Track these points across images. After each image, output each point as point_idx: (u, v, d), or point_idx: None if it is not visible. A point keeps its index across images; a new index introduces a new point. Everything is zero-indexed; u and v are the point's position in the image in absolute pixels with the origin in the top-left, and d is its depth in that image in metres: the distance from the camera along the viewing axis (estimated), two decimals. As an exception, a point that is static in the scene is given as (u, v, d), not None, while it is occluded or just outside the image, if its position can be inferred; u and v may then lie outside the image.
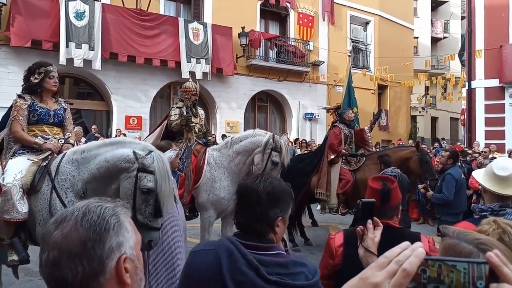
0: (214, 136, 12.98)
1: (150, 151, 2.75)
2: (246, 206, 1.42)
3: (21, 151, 3.34)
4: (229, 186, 4.58)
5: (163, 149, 3.51)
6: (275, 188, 1.43)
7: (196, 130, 5.27)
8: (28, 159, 3.24)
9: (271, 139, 4.41)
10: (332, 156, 6.34)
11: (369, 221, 1.49)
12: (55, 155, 3.26)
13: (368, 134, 6.78)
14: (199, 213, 4.84)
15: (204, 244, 1.55)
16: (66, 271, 0.81)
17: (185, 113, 5.01)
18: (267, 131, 4.62)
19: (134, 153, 2.73)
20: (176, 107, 5.16)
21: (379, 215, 1.94)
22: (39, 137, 3.38)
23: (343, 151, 6.47)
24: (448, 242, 0.92)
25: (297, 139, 13.93)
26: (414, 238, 1.83)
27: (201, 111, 5.53)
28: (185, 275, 1.43)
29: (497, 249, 0.87)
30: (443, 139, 21.79)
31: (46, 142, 3.34)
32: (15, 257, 3.08)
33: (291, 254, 1.50)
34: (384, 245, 1.53)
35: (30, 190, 3.09)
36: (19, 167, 3.15)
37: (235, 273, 1.30)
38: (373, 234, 1.47)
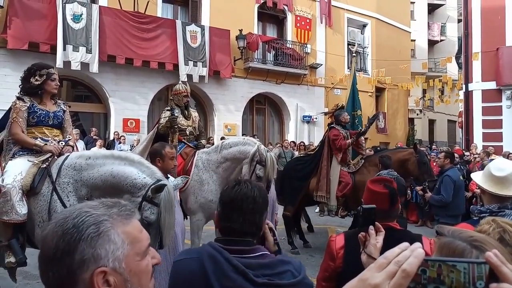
0: (211, 138, 13.00)
1: (158, 180, 2.71)
2: (240, 213, 1.41)
3: (21, 152, 3.32)
4: (217, 190, 4.46)
5: (157, 152, 3.49)
6: (263, 194, 1.48)
7: (187, 133, 5.21)
8: (28, 160, 3.22)
9: (257, 152, 4.25)
10: (340, 155, 6.33)
11: (371, 227, 1.48)
12: (56, 157, 3.24)
13: (362, 137, 6.79)
14: (188, 216, 4.75)
15: (185, 252, 1.54)
16: (43, 272, 0.81)
17: (174, 114, 4.98)
18: (257, 141, 4.49)
19: (143, 180, 2.70)
20: (167, 110, 5.14)
21: (385, 218, 1.93)
22: (39, 139, 3.36)
23: (348, 141, 6.42)
24: (443, 240, 0.92)
25: (292, 142, 13.83)
26: (416, 239, 1.83)
27: (195, 114, 5.48)
28: (173, 285, 1.42)
29: (490, 246, 0.88)
30: (435, 142, 21.86)
31: (46, 144, 3.32)
32: (12, 259, 3.05)
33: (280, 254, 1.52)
34: (387, 247, 1.52)
35: (30, 192, 3.07)
36: (19, 169, 3.14)
37: (223, 280, 1.30)
38: (375, 240, 1.47)
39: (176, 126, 4.95)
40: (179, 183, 3.03)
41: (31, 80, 3.40)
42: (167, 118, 4.98)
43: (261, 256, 1.38)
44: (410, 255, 0.66)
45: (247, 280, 1.29)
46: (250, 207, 1.41)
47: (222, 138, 12.39)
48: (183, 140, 5.15)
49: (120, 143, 11.51)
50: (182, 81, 5.64)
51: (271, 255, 1.44)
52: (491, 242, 0.91)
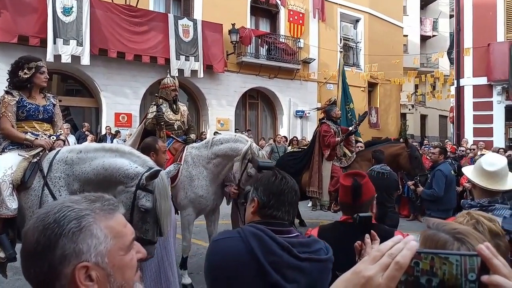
0: (204, 133, 12.96)
1: (150, 168, 2.71)
2: (286, 203, 1.54)
3: (11, 147, 3.28)
4: (207, 185, 4.44)
5: (151, 146, 3.50)
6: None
7: (176, 127, 5.15)
8: (19, 154, 3.19)
9: (249, 150, 4.17)
10: (328, 152, 6.33)
11: (367, 235, 1.49)
12: (47, 151, 3.21)
13: (352, 136, 6.84)
14: (178, 212, 4.74)
15: (223, 232, 1.62)
16: (25, 268, 0.80)
17: (162, 110, 4.92)
18: (249, 139, 4.43)
19: (135, 169, 2.70)
20: (154, 105, 5.08)
21: (353, 211, 2.01)
22: (29, 133, 3.32)
23: (337, 138, 6.43)
24: (427, 232, 0.94)
25: (284, 137, 13.79)
26: (388, 233, 1.85)
27: (183, 108, 5.40)
28: (214, 264, 1.47)
29: (473, 238, 0.89)
30: (427, 137, 22.03)
31: (37, 138, 3.28)
32: (1, 254, 3.03)
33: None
34: (358, 240, 1.57)
35: (20, 187, 3.05)
36: (9, 163, 3.10)
37: (269, 256, 1.39)
38: (371, 249, 1.48)
39: (162, 123, 4.89)
40: (172, 170, 3.03)
41: (19, 73, 3.34)
42: (154, 113, 4.92)
43: (297, 236, 1.51)
44: (403, 247, 0.66)
45: (291, 256, 1.40)
46: (294, 199, 1.56)
47: (216, 133, 12.40)
48: (171, 135, 5.07)
49: (114, 137, 11.45)
50: (170, 75, 5.58)
51: (304, 236, 1.58)
52: (474, 234, 0.93)
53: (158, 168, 2.74)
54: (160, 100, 5.15)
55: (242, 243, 1.41)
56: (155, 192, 2.61)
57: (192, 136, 5.30)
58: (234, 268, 1.40)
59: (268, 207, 1.52)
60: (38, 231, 0.78)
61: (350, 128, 6.80)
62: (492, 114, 13.56)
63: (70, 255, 0.77)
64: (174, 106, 5.22)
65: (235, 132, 13.03)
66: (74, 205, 0.82)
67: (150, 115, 4.99)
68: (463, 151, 9.87)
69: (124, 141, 10.46)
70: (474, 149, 9.88)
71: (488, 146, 11.37)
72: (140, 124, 5.36)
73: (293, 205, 1.57)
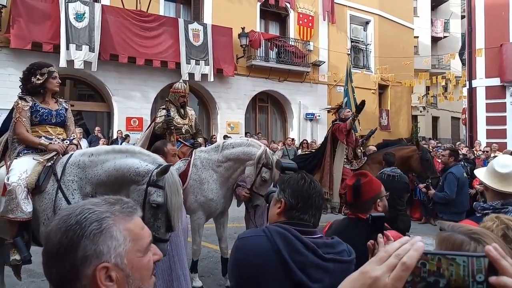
0: (214, 136, 13.01)
1: (160, 165, 2.75)
2: (313, 207, 1.58)
3: (26, 151, 3.34)
4: (217, 189, 4.44)
5: (159, 149, 3.54)
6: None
7: (183, 131, 5.17)
8: (33, 159, 3.25)
9: (263, 155, 4.18)
10: (345, 137, 6.30)
11: (379, 235, 1.49)
12: (61, 155, 3.27)
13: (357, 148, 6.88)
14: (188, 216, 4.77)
15: (250, 231, 1.65)
16: (47, 268, 0.82)
17: (170, 114, 4.95)
18: (262, 144, 4.42)
19: (145, 167, 2.75)
20: (162, 109, 5.11)
21: (353, 209, 2.16)
22: (43, 138, 3.38)
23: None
24: (443, 235, 0.94)
25: (293, 140, 13.78)
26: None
27: (191, 112, 5.42)
28: (239, 261, 1.50)
29: (489, 238, 0.89)
30: (430, 139, 21.76)
31: (51, 143, 3.35)
32: (17, 257, 3.07)
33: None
34: (355, 238, 1.65)
35: (35, 190, 3.10)
36: (24, 167, 3.16)
37: (295, 255, 1.41)
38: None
39: (172, 127, 4.92)
40: (181, 166, 3.07)
41: (32, 79, 3.41)
42: (163, 117, 4.95)
43: (320, 237, 1.54)
44: (410, 248, 0.66)
45: (316, 256, 1.43)
46: (320, 203, 1.61)
47: (226, 137, 12.43)
48: (179, 139, 5.09)
49: (123, 141, 11.56)
50: (183, 80, 5.59)
51: (328, 237, 1.61)
52: (490, 235, 0.92)
53: (167, 163, 2.78)
54: (170, 104, 5.20)
55: (268, 241, 1.43)
56: (166, 187, 2.66)
57: (200, 140, 5.32)
58: (259, 266, 1.42)
59: (296, 209, 1.55)
60: (60, 232, 0.81)
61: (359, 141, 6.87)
62: (505, 116, 13.35)
63: (91, 256, 0.79)
64: (182, 111, 5.25)
65: (246, 135, 13.07)
66: (94, 207, 0.85)
67: (159, 119, 5.03)
68: (468, 155, 9.73)
69: (133, 145, 10.56)
70: (487, 151, 9.73)
71: (502, 148, 11.19)
72: (148, 128, 5.38)
73: (320, 209, 1.60)
